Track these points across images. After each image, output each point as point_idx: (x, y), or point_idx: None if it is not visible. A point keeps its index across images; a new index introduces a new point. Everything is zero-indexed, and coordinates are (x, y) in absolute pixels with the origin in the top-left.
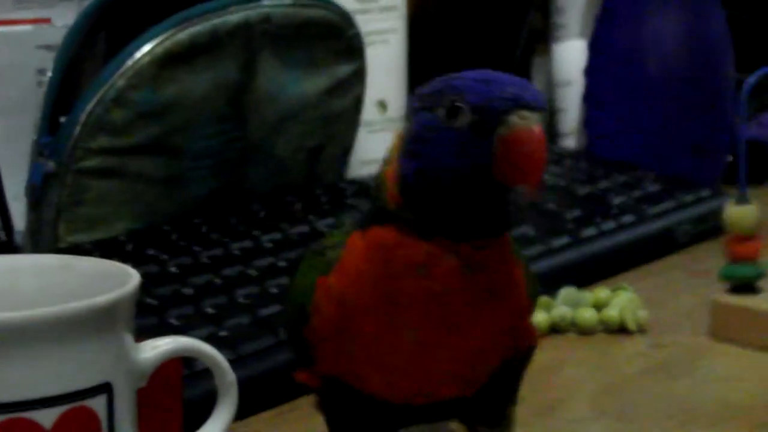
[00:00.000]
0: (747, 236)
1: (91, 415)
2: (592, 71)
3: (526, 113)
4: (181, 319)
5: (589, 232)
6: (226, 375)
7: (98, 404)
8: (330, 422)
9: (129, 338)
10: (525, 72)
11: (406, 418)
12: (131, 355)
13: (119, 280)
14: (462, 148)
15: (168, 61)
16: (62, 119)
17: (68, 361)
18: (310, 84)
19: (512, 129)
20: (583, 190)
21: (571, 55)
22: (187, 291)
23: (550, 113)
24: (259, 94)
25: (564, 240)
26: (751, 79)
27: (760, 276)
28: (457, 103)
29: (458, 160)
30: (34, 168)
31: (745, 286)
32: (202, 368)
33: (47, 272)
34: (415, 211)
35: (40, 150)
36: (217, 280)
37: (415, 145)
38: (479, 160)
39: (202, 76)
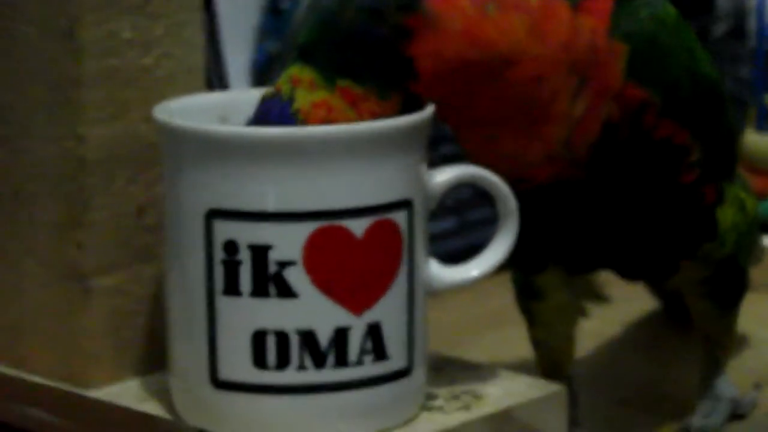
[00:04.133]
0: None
1: (394, 228)
2: None
3: None
4: None
5: None
6: (508, 201)
7: (401, 218)
8: None
9: (424, 162)
10: None
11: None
12: (425, 177)
13: None
14: None
15: None
16: (285, 2)
17: (376, 176)
18: None
19: None
20: None
21: None
22: None
23: (739, 14)
24: None
25: None
26: None
27: None
28: None
29: None
30: (258, 48)
31: (764, 225)
32: None
33: None
34: None
35: (264, 31)
36: None
37: None
38: None
39: None
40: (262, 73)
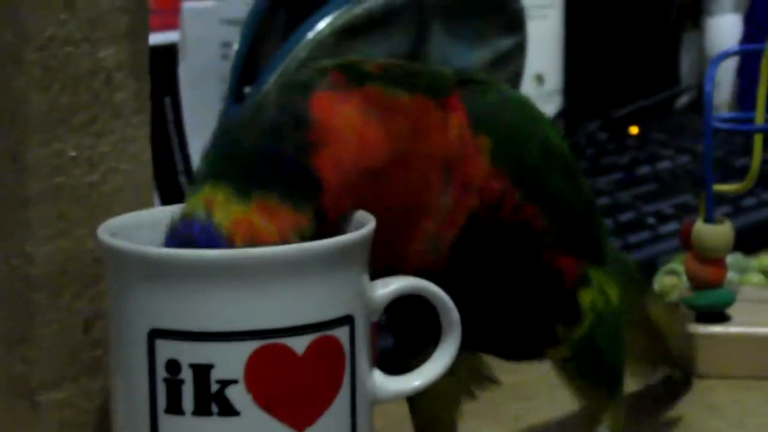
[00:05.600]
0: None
1: (336, 344)
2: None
3: None
4: None
5: (749, 202)
6: (451, 313)
7: (342, 334)
8: None
9: (366, 276)
10: (674, 47)
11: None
12: (367, 291)
13: (354, 223)
14: None
15: (347, 34)
16: (247, 89)
17: (317, 293)
18: (474, 56)
19: None
20: (739, 162)
21: (724, 29)
22: None
23: (702, 87)
24: (428, 65)
25: (724, 209)
26: None
27: (732, 301)
28: None
29: None
30: None
31: (714, 314)
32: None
33: None
34: None
35: (227, 117)
36: None
37: None
38: None
39: (377, 48)
40: None
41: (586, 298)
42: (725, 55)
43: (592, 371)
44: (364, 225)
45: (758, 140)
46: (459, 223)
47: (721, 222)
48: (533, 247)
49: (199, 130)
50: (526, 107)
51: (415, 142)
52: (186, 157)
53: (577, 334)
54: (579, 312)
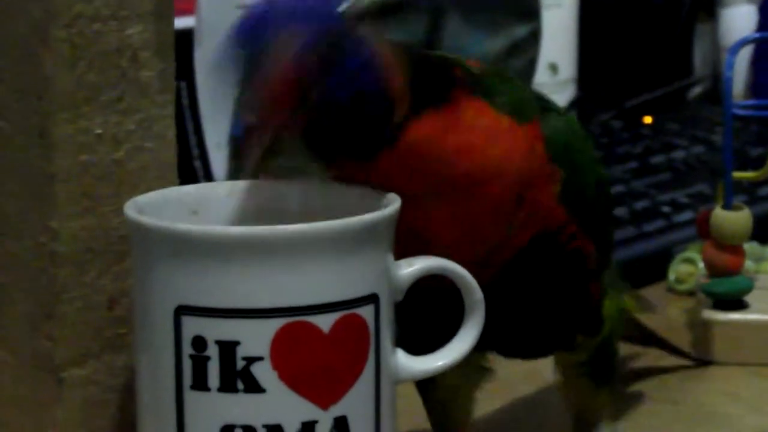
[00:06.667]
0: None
1: (361, 322)
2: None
3: None
4: None
5: (765, 191)
6: (474, 293)
7: (367, 313)
8: None
9: (391, 255)
10: (688, 38)
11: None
12: (392, 270)
13: (378, 203)
14: None
15: (362, 21)
16: None
17: (343, 271)
18: (489, 45)
19: None
20: (754, 152)
21: (739, 20)
22: None
23: (715, 77)
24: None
25: (740, 198)
26: None
27: (750, 289)
28: None
29: None
30: (236, 120)
31: (732, 301)
32: None
33: (312, 194)
34: None
35: (242, 103)
36: None
37: None
38: None
39: (392, 35)
40: (237, 144)
41: (606, 307)
42: (745, 42)
43: (602, 373)
44: (390, 204)
45: None
46: (520, 244)
47: (740, 209)
48: (578, 271)
49: (215, 115)
50: (586, 137)
51: (500, 163)
52: (201, 142)
53: (596, 341)
54: (601, 323)
